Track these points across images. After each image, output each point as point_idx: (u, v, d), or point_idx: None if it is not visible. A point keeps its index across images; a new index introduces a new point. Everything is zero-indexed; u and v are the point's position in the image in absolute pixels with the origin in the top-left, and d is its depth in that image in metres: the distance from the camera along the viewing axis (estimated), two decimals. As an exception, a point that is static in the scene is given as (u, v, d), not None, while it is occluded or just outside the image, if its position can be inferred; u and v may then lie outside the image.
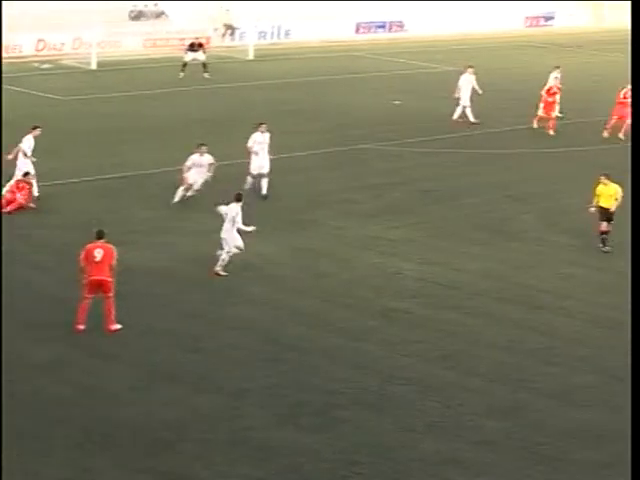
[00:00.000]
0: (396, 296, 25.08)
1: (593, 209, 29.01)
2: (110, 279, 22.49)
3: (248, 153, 31.37)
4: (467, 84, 43.10)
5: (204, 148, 29.44)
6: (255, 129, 31.70)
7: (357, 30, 64.18)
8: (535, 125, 42.27)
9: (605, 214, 28.97)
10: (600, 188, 29.10)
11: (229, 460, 17.19)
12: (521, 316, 24.11)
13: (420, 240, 29.15)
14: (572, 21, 74.08)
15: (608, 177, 28.98)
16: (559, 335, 23.56)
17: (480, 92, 43.51)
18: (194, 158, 29.33)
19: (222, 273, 24.83)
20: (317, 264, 27.15)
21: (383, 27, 65.16)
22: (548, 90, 42.78)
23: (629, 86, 41.15)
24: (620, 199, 28.48)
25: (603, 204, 28.83)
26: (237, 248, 24.99)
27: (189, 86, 47.07)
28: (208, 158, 29.43)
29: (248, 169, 31.45)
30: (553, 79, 43.09)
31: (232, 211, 24.71)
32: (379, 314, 24.29)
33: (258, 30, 59.10)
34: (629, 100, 40.51)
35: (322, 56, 57.60)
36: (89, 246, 22.40)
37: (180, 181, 29.77)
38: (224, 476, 16.80)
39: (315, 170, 34.04)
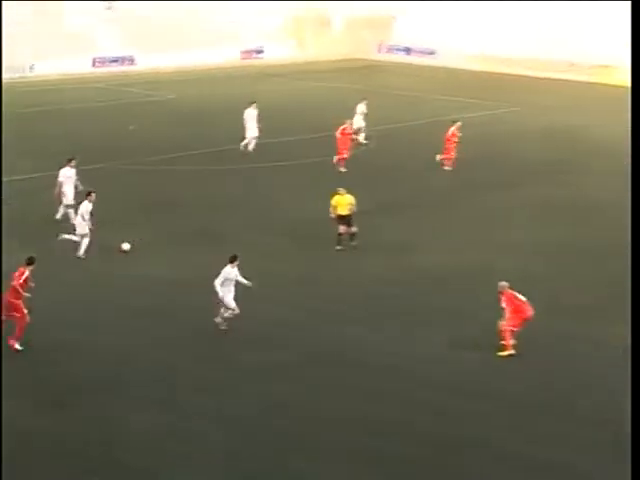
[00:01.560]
0: (127, 294, 26.97)
1: (333, 216, 31.07)
2: (12, 300, 23.06)
3: (59, 187, 31.87)
4: (251, 118, 43.82)
5: None
6: (65, 164, 32.34)
7: (94, 64, 67.50)
8: (342, 169, 41.04)
9: (343, 220, 30.98)
10: (337, 198, 31.18)
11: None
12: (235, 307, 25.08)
13: (150, 247, 30.79)
14: (280, 53, 77.67)
15: (343, 190, 31.28)
16: (265, 321, 25.21)
17: (258, 126, 43.72)
18: None
19: (224, 327, 24.58)
20: (60, 272, 28.28)
21: (116, 61, 68.87)
22: (343, 131, 41.73)
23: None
24: (354, 206, 30.92)
25: (340, 212, 30.99)
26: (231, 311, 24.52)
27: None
28: None
29: (61, 201, 32.16)
30: (356, 116, 44.41)
31: (229, 274, 24.29)
32: (112, 310, 25.84)
33: (6, 65, 60.97)
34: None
35: (62, 88, 59.90)
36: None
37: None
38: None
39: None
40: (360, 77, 71.49)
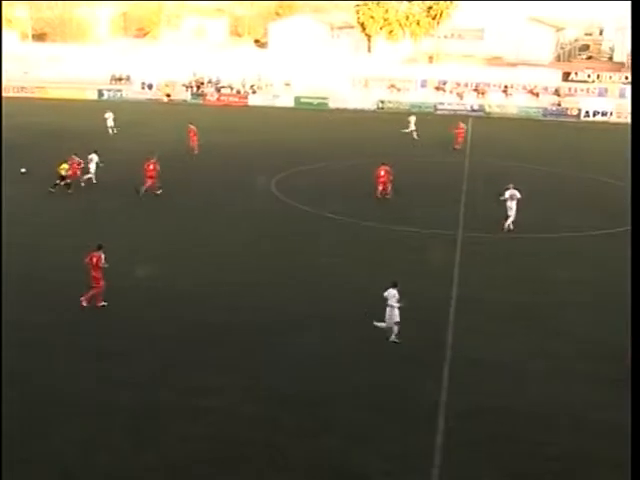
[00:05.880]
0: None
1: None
2: (97, 275, 26.32)
3: None
4: None
5: None
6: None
7: None
8: None
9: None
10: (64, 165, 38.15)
11: None
12: None
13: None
14: None
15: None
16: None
17: None
18: None
19: (397, 340, 25.31)
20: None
21: None
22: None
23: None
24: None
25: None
26: (396, 323, 25.36)
27: None
28: None
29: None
30: None
31: (391, 294, 25.39)
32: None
33: None
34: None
35: None
36: (90, 254, 26.32)
37: None
38: None
39: None
40: None
